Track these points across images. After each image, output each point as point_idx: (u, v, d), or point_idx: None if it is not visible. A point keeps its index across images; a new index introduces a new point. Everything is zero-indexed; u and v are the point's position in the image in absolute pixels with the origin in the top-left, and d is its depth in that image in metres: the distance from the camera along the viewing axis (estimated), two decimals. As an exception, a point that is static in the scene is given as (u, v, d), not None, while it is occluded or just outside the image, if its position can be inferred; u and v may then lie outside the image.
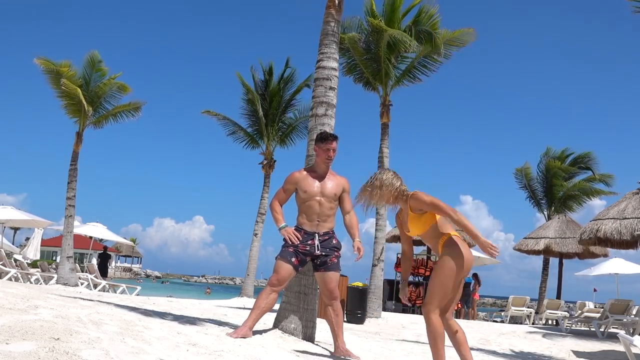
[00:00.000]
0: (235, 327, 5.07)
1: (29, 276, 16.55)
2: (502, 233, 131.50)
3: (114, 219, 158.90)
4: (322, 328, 5.87)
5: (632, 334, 10.66)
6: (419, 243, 13.07)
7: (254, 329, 4.75)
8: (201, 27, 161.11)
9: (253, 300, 9.36)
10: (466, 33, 13.05)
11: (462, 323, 4.58)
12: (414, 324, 11.06)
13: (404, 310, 16.52)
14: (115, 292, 16.39)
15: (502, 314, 19.18)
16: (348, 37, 12.67)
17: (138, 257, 68.05)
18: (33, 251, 26.78)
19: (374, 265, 12.59)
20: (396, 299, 17.58)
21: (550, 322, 17.80)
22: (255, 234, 18.24)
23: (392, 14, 13.03)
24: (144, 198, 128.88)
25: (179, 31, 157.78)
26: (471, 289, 18.81)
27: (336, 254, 4.86)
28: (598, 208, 25.55)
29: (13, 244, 31.32)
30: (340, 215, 4.96)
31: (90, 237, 23.31)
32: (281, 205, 4.91)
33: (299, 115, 19.05)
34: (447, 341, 4.04)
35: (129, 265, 65.34)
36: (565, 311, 17.37)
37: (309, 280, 5.17)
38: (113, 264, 52.29)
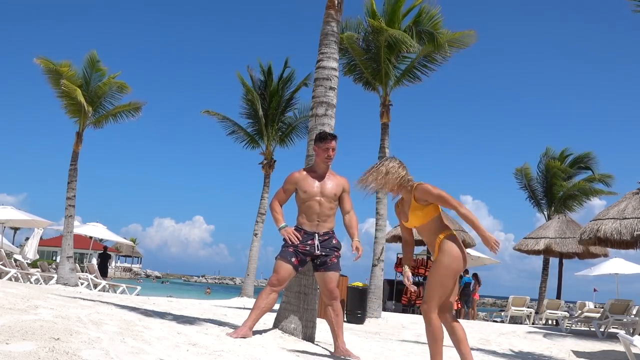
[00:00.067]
0: (235, 327, 5.07)
1: (29, 276, 16.56)
2: (502, 233, 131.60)
3: (114, 219, 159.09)
4: (322, 328, 5.86)
5: (632, 334, 10.66)
6: (419, 243, 13.06)
7: (254, 329, 4.75)
8: (201, 26, 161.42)
9: (253, 300, 9.36)
10: (467, 35, 13.02)
11: (462, 323, 4.58)
12: (414, 324, 11.06)
13: (404, 310, 16.54)
14: (115, 292, 16.39)
15: (502, 314, 19.18)
16: (345, 36, 12.66)
17: (138, 257, 68.07)
18: (32, 252, 26.76)
19: (374, 265, 12.58)
20: (396, 299, 17.58)
21: (550, 322, 17.79)
22: (255, 234, 18.24)
23: (393, 15, 13.02)
24: (144, 198, 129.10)
25: (179, 31, 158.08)
26: (471, 289, 18.81)
27: (336, 254, 4.86)
28: (598, 208, 25.59)
29: (13, 244, 31.27)
30: (340, 215, 4.96)
31: (90, 237, 23.31)
32: (281, 206, 4.91)
33: (299, 115, 19.07)
34: (448, 341, 4.04)
35: (129, 265, 65.36)
36: (565, 311, 17.37)
37: (309, 280, 5.17)
38: (113, 264, 52.28)
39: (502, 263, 27.90)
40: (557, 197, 22.16)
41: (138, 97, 18.64)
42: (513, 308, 17.75)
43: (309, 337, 5.16)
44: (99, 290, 15.79)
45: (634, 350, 5.63)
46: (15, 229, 49.85)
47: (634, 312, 12.63)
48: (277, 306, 5.31)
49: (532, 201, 23.08)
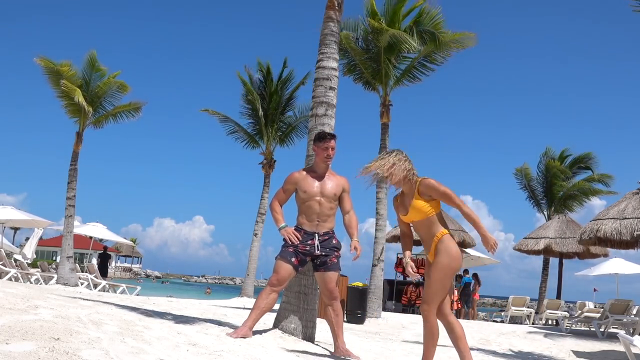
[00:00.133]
0: (235, 327, 5.07)
1: (29, 276, 16.56)
2: (502, 233, 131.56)
3: (114, 219, 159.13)
4: (322, 328, 5.86)
5: (632, 334, 10.66)
6: (419, 243, 13.05)
7: (254, 329, 4.75)
8: (201, 24, 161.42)
9: (253, 300, 9.36)
10: (467, 37, 13.00)
11: (462, 323, 4.59)
12: (414, 324, 11.06)
13: (404, 310, 16.52)
14: (115, 292, 16.40)
15: (502, 314, 19.18)
16: (342, 35, 12.66)
17: (138, 257, 68.08)
18: (30, 252, 26.75)
19: (374, 265, 12.59)
20: (396, 299, 17.57)
21: (550, 322, 17.79)
22: (255, 234, 18.24)
23: (393, 15, 13.01)
24: (144, 198, 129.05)
25: (178, 29, 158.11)
26: (471, 289, 18.81)
27: (336, 254, 4.86)
28: (598, 208, 25.54)
29: (13, 244, 31.27)
30: (340, 215, 4.97)
31: (90, 237, 23.31)
32: (281, 206, 4.91)
33: (299, 115, 19.07)
34: (448, 341, 4.05)
35: (129, 265, 65.36)
36: (565, 311, 17.37)
37: (309, 280, 5.17)
38: (113, 264, 52.28)
39: (502, 263, 27.94)
40: (557, 197, 22.17)
41: (138, 95, 18.82)
42: (513, 308, 17.75)
43: (309, 337, 5.16)
44: (99, 290, 15.80)
45: (634, 350, 5.63)
46: (15, 229, 49.84)
47: (634, 312, 12.64)
48: (277, 306, 5.31)
49: (532, 201, 23.10)
